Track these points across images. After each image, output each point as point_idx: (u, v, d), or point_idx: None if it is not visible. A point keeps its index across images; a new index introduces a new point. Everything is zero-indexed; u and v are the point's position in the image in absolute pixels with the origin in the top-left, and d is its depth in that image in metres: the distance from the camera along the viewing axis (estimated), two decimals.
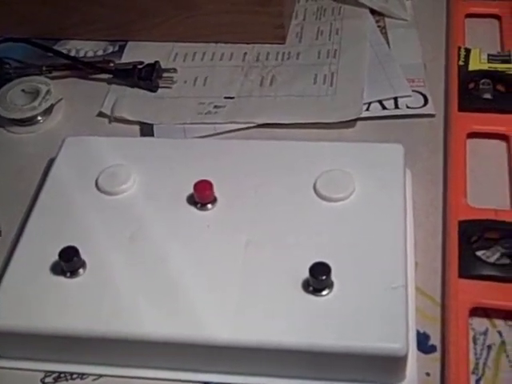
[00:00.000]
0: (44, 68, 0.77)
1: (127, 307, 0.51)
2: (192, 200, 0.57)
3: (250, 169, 0.60)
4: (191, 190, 0.57)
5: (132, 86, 0.75)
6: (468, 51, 0.72)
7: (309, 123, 0.68)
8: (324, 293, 0.50)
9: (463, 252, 0.55)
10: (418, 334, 0.52)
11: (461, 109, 0.67)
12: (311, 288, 0.50)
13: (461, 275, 0.54)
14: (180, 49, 0.79)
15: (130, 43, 0.81)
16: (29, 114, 0.72)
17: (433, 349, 0.52)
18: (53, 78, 0.76)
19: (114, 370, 0.52)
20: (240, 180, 0.59)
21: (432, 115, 0.68)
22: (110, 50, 0.81)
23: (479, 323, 0.53)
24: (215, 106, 0.72)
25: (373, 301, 0.49)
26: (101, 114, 0.73)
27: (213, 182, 0.57)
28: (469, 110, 0.67)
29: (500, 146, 0.65)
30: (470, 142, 0.65)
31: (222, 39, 0.79)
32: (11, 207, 0.64)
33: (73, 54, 0.80)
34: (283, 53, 0.77)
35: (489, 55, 0.72)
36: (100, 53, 0.81)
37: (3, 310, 0.52)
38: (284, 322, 0.49)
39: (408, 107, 0.69)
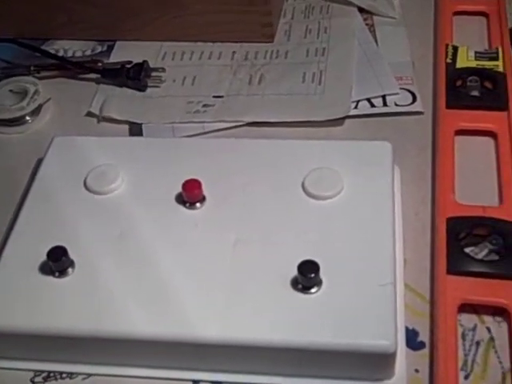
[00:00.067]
0: (32, 68, 0.76)
1: (116, 306, 0.51)
2: (181, 199, 0.57)
3: (239, 167, 0.60)
4: (180, 189, 0.57)
5: (120, 86, 0.75)
6: (456, 49, 0.73)
7: (297, 121, 0.68)
8: (313, 291, 0.50)
9: (451, 249, 0.55)
10: (407, 330, 0.52)
11: (449, 106, 0.67)
12: (300, 286, 0.50)
13: (449, 272, 0.54)
14: (168, 48, 0.79)
15: (118, 43, 0.81)
16: (17, 114, 0.72)
17: (422, 345, 0.52)
18: (41, 78, 0.76)
19: (104, 369, 0.52)
20: (229, 179, 0.59)
21: (420, 112, 0.69)
22: (99, 49, 0.81)
23: (468, 319, 0.53)
24: (204, 105, 0.72)
25: (361, 298, 0.50)
26: (89, 114, 0.73)
27: (201, 180, 0.57)
28: (457, 108, 0.67)
29: (488, 142, 0.65)
30: (458, 139, 0.65)
31: (210, 38, 0.79)
32: None
33: (61, 53, 0.80)
34: (272, 51, 0.77)
35: (476, 52, 0.72)
36: (88, 52, 0.80)
37: None
38: (272, 320, 0.49)
39: (396, 105, 0.69)
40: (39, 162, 0.63)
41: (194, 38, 0.79)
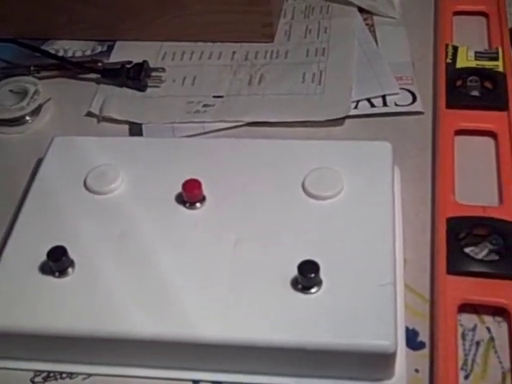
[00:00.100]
0: (32, 68, 0.76)
1: (116, 306, 0.51)
2: (181, 199, 0.57)
3: (239, 167, 0.60)
4: (180, 189, 0.57)
5: (120, 86, 0.75)
6: (456, 49, 0.73)
7: (297, 121, 0.68)
8: (313, 291, 0.50)
9: (451, 248, 0.55)
10: (407, 330, 0.52)
11: (449, 106, 0.67)
12: (300, 286, 0.50)
13: (449, 272, 0.54)
14: (168, 48, 0.79)
15: (118, 43, 0.81)
16: (17, 114, 0.72)
17: (422, 345, 0.52)
18: (41, 78, 0.76)
19: (104, 369, 0.52)
20: (229, 179, 0.59)
21: (420, 112, 0.69)
22: (99, 49, 0.81)
23: (468, 319, 0.53)
24: (204, 105, 0.72)
25: (361, 298, 0.50)
26: (89, 114, 0.73)
27: (201, 180, 0.57)
28: (457, 108, 0.67)
29: (488, 142, 0.65)
30: (458, 139, 0.65)
31: (210, 38, 0.79)
32: None
33: (61, 53, 0.80)
34: (272, 51, 0.77)
35: (476, 52, 0.72)
36: (88, 52, 0.80)
37: None
38: (272, 320, 0.49)
39: (396, 105, 0.69)
40: (39, 162, 0.63)
41: (194, 38, 0.79)
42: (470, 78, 0.69)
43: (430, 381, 0.50)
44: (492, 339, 0.52)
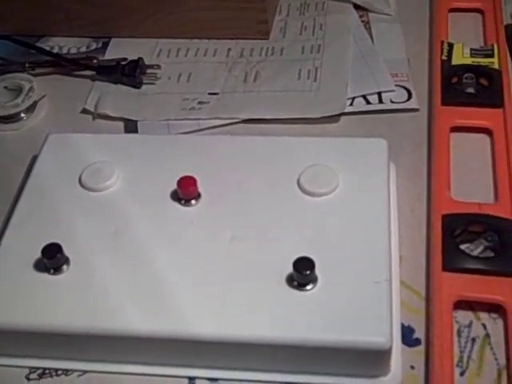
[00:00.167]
0: (27, 65, 0.76)
1: (111, 303, 0.51)
2: (176, 196, 0.57)
3: (234, 164, 0.60)
4: (175, 186, 0.56)
5: (115, 83, 0.75)
6: (451, 46, 0.73)
7: (293, 118, 0.68)
8: (308, 287, 0.50)
9: (447, 245, 0.55)
10: (403, 327, 0.53)
11: (444, 103, 0.67)
12: (295, 283, 0.50)
13: (445, 268, 0.54)
14: (164, 45, 0.79)
15: (113, 40, 0.81)
16: (12, 111, 0.72)
17: (417, 342, 0.52)
18: (36, 75, 0.75)
19: (99, 365, 0.52)
20: (224, 176, 0.59)
21: (416, 109, 0.69)
22: (94, 46, 0.81)
23: (463, 316, 0.53)
24: (199, 102, 0.72)
25: (357, 295, 0.50)
26: (84, 111, 0.73)
27: (197, 177, 0.56)
28: (452, 104, 0.67)
29: (483, 139, 0.65)
30: (454, 136, 0.65)
31: (205, 35, 0.79)
32: None
33: (56, 50, 0.80)
34: (267, 48, 0.77)
35: (472, 49, 0.72)
36: (83, 49, 0.80)
37: None
38: (268, 317, 0.49)
39: (392, 102, 0.69)
40: (34, 159, 0.63)
41: (190, 35, 0.79)
42: (466, 74, 0.69)
43: (426, 377, 0.50)
44: (488, 336, 0.52)
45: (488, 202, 0.59)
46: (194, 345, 0.49)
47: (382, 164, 0.58)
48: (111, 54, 0.79)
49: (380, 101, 0.70)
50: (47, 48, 0.79)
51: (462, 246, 0.56)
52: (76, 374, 0.52)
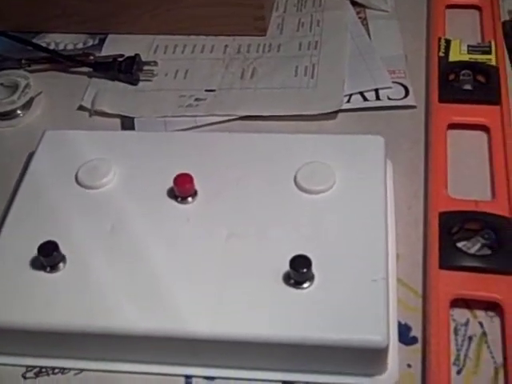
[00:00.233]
0: (23, 61, 0.76)
1: (108, 301, 0.51)
2: (172, 193, 0.57)
3: (231, 162, 0.59)
4: (172, 184, 0.56)
5: (112, 80, 0.75)
6: (448, 42, 0.72)
7: (290, 115, 0.68)
8: (305, 285, 0.50)
9: (444, 243, 0.55)
10: (400, 325, 0.52)
11: (441, 100, 0.67)
12: (292, 281, 0.50)
13: (441, 266, 0.54)
14: (160, 41, 0.79)
15: (110, 36, 0.81)
16: (8, 108, 0.71)
17: (414, 340, 0.52)
18: (32, 72, 0.75)
19: (96, 364, 0.52)
20: (221, 173, 0.58)
21: (413, 106, 0.68)
22: (90, 43, 0.80)
23: (460, 314, 0.53)
24: (196, 99, 0.71)
25: (354, 293, 0.49)
26: (81, 108, 0.72)
27: (193, 175, 0.56)
28: (449, 101, 0.67)
29: (480, 136, 0.65)
30: (451, 133, 0.65)
31: (202, 32, 0.79)
32: None
33: (52, 47, 0.80)
34: (264, 45, 0.77)
35: (469, 46, 0.72)
36: (80, 46, 0.80)
37: None
38: (264, 315, 0.49)
39: (389, 99, 0.69)
40: (30, 156, 0.62)
41: (187, 32, 0.79)
42: (463, 71, 0.69)
43: (423, 376, 0.50)
44: (484, 334, 0.52)
45: (485, 200, 0.59)
46: (190, 343, 0.49)
47: (379, 161, 0.58)
48: (108, 50, 0.78)
49: (377, 98, 0.69)
50: (44, 44, 0.79)
51: (459, 244, 0.56)
52: (72, 372, 0.52)
